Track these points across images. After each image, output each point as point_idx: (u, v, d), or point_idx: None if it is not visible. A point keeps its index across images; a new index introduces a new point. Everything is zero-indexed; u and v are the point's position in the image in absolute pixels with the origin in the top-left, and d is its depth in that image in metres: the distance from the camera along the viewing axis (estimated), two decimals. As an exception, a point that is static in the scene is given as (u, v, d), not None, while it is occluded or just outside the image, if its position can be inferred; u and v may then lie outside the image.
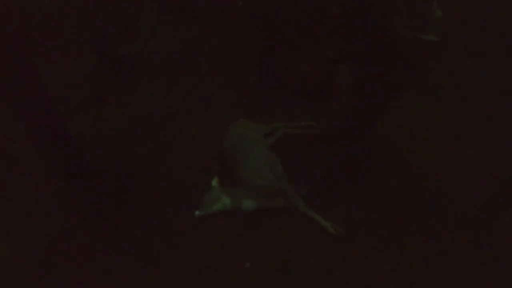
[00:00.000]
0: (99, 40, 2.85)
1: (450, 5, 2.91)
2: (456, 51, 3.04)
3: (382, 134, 2.48)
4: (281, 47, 2.87)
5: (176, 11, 3.31)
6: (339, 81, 1.92)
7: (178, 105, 2.67)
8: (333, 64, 1.91)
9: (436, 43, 1.43)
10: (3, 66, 1.63)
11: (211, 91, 2.79)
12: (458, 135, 2.52)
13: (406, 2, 1.40)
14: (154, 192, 2.13)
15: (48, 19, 2.49)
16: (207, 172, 2.21)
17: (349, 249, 1.89)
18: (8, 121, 2.41)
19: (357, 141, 1.96)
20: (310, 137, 2.41)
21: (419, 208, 2.08)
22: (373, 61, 1.57)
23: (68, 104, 2.59)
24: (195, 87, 2.83)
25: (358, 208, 2.06)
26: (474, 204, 2.06)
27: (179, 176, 2.21)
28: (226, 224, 1.98)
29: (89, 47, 2.91)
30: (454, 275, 1.80)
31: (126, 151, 2.34)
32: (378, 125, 2.26)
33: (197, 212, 1.97)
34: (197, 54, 3.09)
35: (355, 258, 1.85)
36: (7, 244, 1.89)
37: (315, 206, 2.00)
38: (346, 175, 2.15)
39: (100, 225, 1.96)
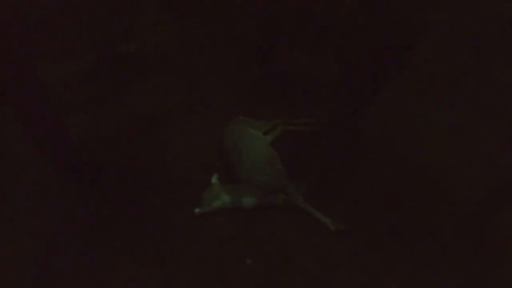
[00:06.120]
0: (98, 39, 2.85)
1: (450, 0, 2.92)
2: (455, 46, 3.04)
3: (381, 131, 2.47)
4: (280, 45, 2.87)
5: (174, 9, 3.31)
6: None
7: (178, 103, 2.67)
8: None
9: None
10: (2, 66, 1.63)
11: (211, 89, 2.79)
12: (457, 132, 2.51)
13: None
14: (154, 190, 2.13)
15: (47, 18, 2.49)
16: (207, 170, 2.21)
17: (350, 245, 1.88)
18: (8, 121, 2.41)
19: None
20: (310, 134, 2.41)
21: (419, 205, 2.07)
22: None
23: (68, 103, 2.59)
24: (194, 85, 2.83)
25: (357, 205, 2.06)
26: (473, 201, 2.05)
27: (178, 174, 2.21)
28: (226, 221, 1.98)
29: (88, 46, 2.92)
30: (454, 272, 1.79)
31: (126, 150, 2.34)
32: (377, 122, 2.26)
33: (197, 210, 1.96)
34: (196, 52, 3.09)
35: (355, 254, 1.85)
36: (7, 244, 1.89)
37: (315, 203, 2.00)
38: (345, 172, 2.15)
39: (100, 224, 1.96)
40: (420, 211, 2.04)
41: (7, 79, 1.67)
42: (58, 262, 1.81)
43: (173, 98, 2.72)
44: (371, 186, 2.15)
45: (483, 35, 3.04)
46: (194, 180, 2.16)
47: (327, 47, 2.98)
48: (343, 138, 1.99)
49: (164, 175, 2.21)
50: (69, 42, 2.85)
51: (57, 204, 2.04)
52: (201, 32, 3.24)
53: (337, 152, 2.07)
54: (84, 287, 1.74)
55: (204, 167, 2.24)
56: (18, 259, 1.82)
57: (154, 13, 3.33)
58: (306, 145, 2.34)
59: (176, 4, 3.34)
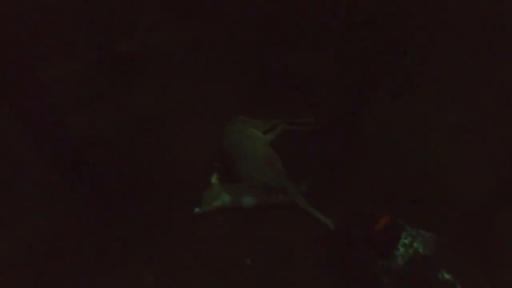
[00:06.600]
0: (97, 38, 2.85)
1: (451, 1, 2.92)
2: (455, 46, 3.04)
3: (381, 131, 2.47)
4: (280, 44, 2.87)
5: (174, 8, 3.32)
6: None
7: (177, 103, 2.67)
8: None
9: None
10: (2, 66, 1.63)
11: (210, 89, 2.80)
12: (457, 132, 2.51)
13: None
14: (154, 190, 2.13)
15: (46, 18, 2.50)
16: (207, 169, 2.21)
17: (349, 244, 1.88)
18: (8, 121, 2.41)
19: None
20: (310, 133, 2.41)
21: (418, 205, 2.07)
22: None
23: (67, 102, 2.59)
24: (194, 85, 2.83)
25: (357, 204, 2.05)
26: (473, 201, 2.05)
27: (179, 174, 2.21)
28: (226, 221, 1.98)
29: (88, 45, 2.92)
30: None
31: (125, 149, 2.34)
32: (377, 122, 2.25)
33: (197, 209, 1.97)
34: (196, 51, 3.10)
35: (355, 254, 1.84)
36: (7, 244, 1.89)
37: (315, 203, 2.00)
38: (345, 172, 2.15)
39: (99, 224, 1.96)
40: (420, 211, 2.03)
41: (7, 79, 1.67)
42: (58, 262, 1.81)
43: (173, 97, 2.72)
44: (371, 186, 2.15)
45: (483, 35, 3.04)
46: (194, 179, 2.16)
47: (327, 47, 2.98)
48: (343, 138, 1.99)
49: (164, 175, 2.21)
50: (69, 42, 2.85)
51: (57, 204, 2.04)
52: (201, 32, 3.24)
53: (337, 152, 2.07)
54: (84, 287, 1.74)
55: (204, 166, 2.24)
56: (18, 259, 1.82)
57: (154, 13, 3.33)
58: (306, 145, 2.34)
59: (176, 4, 3.34)
